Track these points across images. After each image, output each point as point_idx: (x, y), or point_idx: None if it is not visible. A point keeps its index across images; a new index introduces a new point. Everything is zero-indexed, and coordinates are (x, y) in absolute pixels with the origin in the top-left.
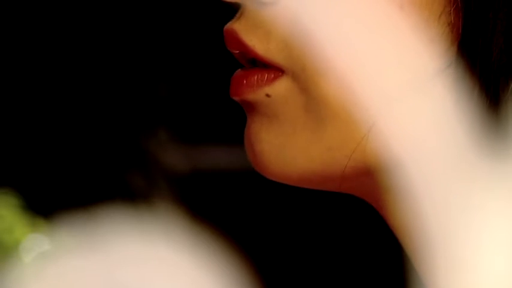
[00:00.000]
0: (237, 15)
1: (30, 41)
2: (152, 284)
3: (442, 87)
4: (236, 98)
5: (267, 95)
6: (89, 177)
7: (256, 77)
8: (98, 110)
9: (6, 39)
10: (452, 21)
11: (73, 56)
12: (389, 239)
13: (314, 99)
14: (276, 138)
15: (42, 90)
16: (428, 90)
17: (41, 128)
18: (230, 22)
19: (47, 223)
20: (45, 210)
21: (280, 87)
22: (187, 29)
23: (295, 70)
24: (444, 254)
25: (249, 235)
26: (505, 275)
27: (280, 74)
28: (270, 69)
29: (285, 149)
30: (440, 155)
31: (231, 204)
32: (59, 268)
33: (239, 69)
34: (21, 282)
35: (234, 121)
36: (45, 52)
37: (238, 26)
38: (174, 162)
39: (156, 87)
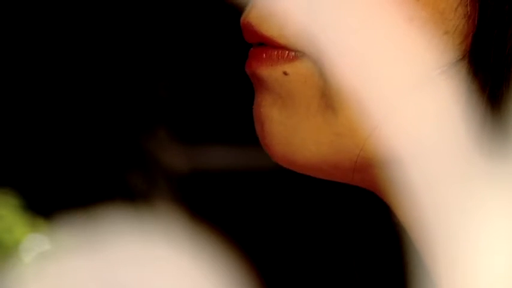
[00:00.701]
0: (249, 5)
1: (30, 41)
2: (152, 284)
3: (451, 82)
4: (250, 71)
5: (285, 73)
6: (89, 177)
7: (276, 52)
8: (98, 110)
9: (6, 39)
10: (469, 13)
11: (73, 56)
12: (391, 235)
13: (329, 84)
14: (288, 119)
15: (42, 90)
16: (438, 85)
17: (41, 128)
18: (244, 14)
19: (47, 223)
20: (45, 210)
21: (301, 67)
22: (187, 29)
23: (316, 54)
24: (444, 253)
25: (249, 235)
26: (505, 275)
27: (301, 54)
28: (291, 49)
29: (296, 131)
30: (441, 152)
31: (231, 204)
32: (59, 268)
33: (256, 45)
34: (21, 282)
35: (234, 121)
36: (45, 52)
37: (252, 18)
38: (174, 162)
39: (156, 87)
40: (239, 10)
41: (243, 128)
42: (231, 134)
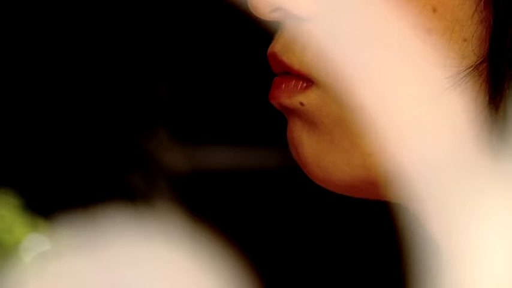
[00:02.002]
0: (276, 36)
1: (30, 41)
2: (152, 284)
3: (468, 86)
4: (274, 102)
5: (301, 103)
6: (89, 177)
7: (293, 83)
8: (97, 110)
9: (6, 39)
10: (485, 18)
11: (73, 56)
12: (390, 239)
13: (348, 110)
14: (317, 144)
15: (42, 90)
16: (454, 91)
17: (41, 128)
18: (271, 45)
19: (47, 223)
20: (45, 210)
21: (313, 96)
22: (187, 29)
23: (327, 81)
24: (446, 251)
25: (249, 235)
26: (505, 274)
27: (311, 83)
28: (304, 78)
29: (327, 155)
30: (444, 154)
31: (231, 204)
32: (59, 268)
33: (279, 75)
34: (21, 282)
35: (234, 121)
36: (45, 52)
37: (277, 48)
38: (174, 162)
39: (156, 88)
40: (239, 11)
41: (243, 128)
42: (231, 134)
